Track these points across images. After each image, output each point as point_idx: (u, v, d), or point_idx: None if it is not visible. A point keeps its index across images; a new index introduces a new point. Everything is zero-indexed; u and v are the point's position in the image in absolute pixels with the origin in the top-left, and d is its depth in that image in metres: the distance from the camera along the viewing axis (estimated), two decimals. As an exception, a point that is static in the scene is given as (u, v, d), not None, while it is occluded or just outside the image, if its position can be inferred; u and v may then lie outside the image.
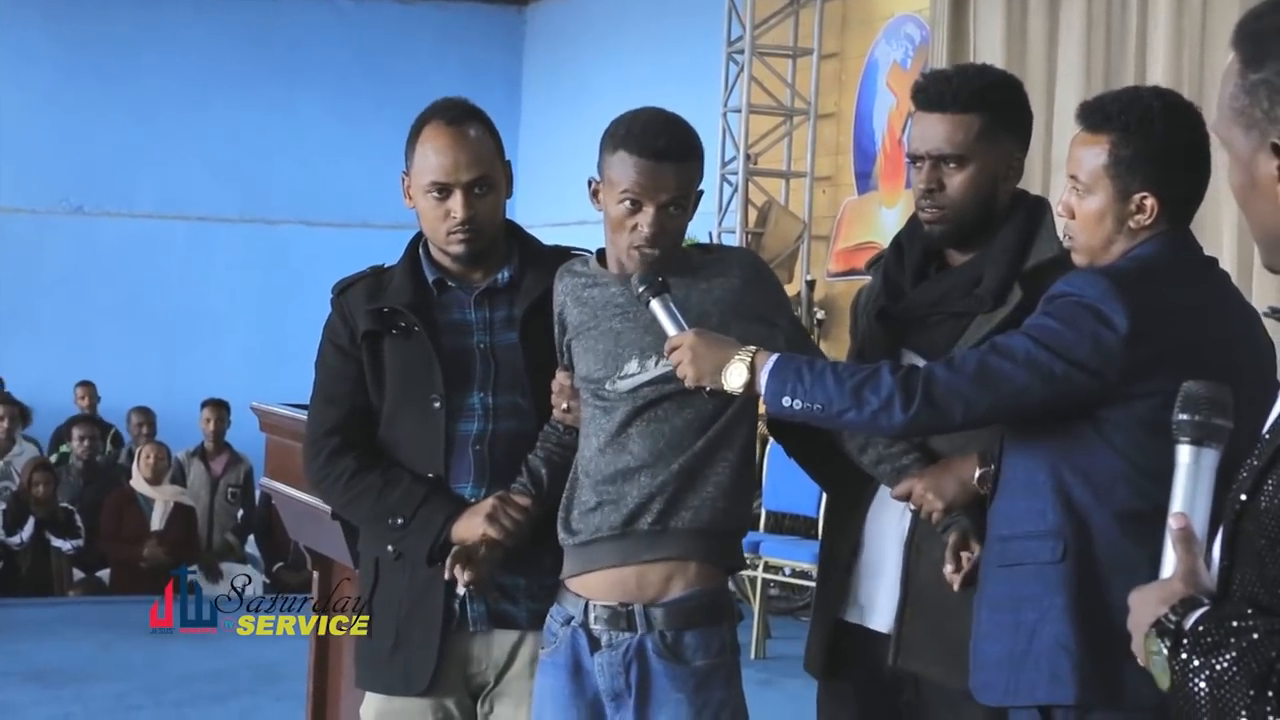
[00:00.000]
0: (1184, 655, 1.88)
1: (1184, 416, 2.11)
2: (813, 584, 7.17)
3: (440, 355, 3.23)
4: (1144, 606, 2.00)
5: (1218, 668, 1.84)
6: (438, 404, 3.23)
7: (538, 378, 3.22)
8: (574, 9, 14.48)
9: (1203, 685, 1.85)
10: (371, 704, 3.33)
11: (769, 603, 8.68)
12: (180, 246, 14.34)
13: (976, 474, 2.99)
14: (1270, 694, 1.77)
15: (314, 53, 14.67)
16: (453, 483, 3.24)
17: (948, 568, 2.98)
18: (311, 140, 14.48)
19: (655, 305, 2.94)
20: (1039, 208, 3.19)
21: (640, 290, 2.95)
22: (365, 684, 3.42)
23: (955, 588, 2.98)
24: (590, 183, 3.10)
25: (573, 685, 3.07)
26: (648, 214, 2.99)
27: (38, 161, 13.97)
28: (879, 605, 3.18)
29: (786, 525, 9.26)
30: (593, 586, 3.06)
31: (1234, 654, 1.83)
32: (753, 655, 8.20)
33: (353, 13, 14.87)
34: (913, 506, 3.04)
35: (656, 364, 3.01)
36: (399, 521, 3.21)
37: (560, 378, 3.18)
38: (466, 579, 3.06)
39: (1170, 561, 2.04)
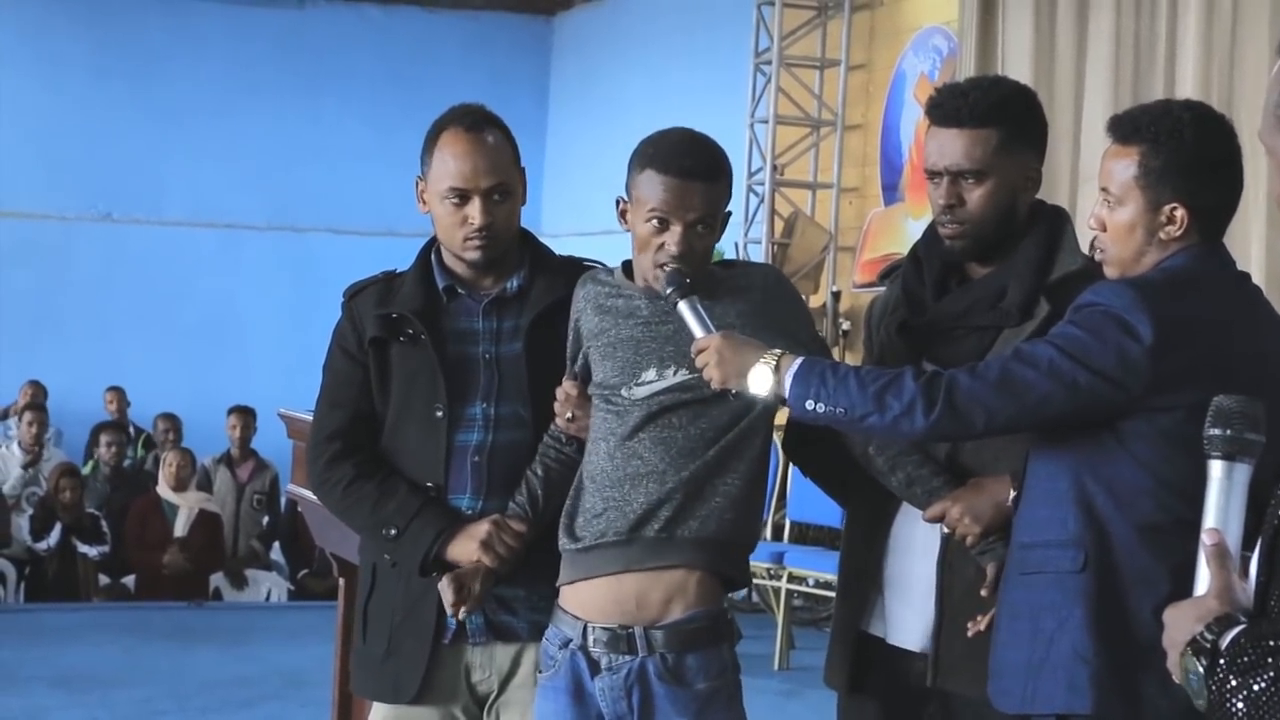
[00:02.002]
0: (1220, 675, 1.87)
1: (1216, 431, 2.10)
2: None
3: (444, 365, 3.22)
4: (1179, 624, 1.99)
5: (1255, 688, 1.83)
6: (440, 414, 3.22)
7: (541, 388, 3.20)
8: (602, 19, 14.50)
9: (1240, 705, 1.84)
10: (379, 712, 3.34)
11: (793, 613, 8.67)
12: (208, 254, 14.38)
13: (1011, 495, 2.96)
14: None
15: (342, 61, 14.71)
16: (451, 493, 3.23)
17: (983, 594, 2.97)
18: (339, 148, 14.51)
19: (683, 306, 2.93)
20: (1059, 218, 3.19)
21: (668, 291, 2.95)
22: (358, 689, 3.46)
23: (980, 628, 2.98)
24: (618, 202, 3.09)
25: (575, 709, 3.05)
26: (675, 233, 2.98)
27: (67, 168, 14.02)
28: (907, 622, 3.17)
29: (811, 536, 9.25)
30: (591, 606, 3.04)
31: (1272, 674, 1.82)
32: (776, 666, 8.20)
33: (380, 21, 14.91)
34: (946, 529, 3.03)
35: (675, 373, 3.01)
36: (392, 533, 3.21)
37: (566, 386, 3.16)
38: (457, 610, 3.09)
39: (1204, 578, 2.03)
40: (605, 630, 3.02)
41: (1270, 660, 1.82)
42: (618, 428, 3.03)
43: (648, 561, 3.00)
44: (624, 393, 3.04)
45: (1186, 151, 2.73)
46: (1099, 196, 2.83)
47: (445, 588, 3.09)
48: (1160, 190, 2.73)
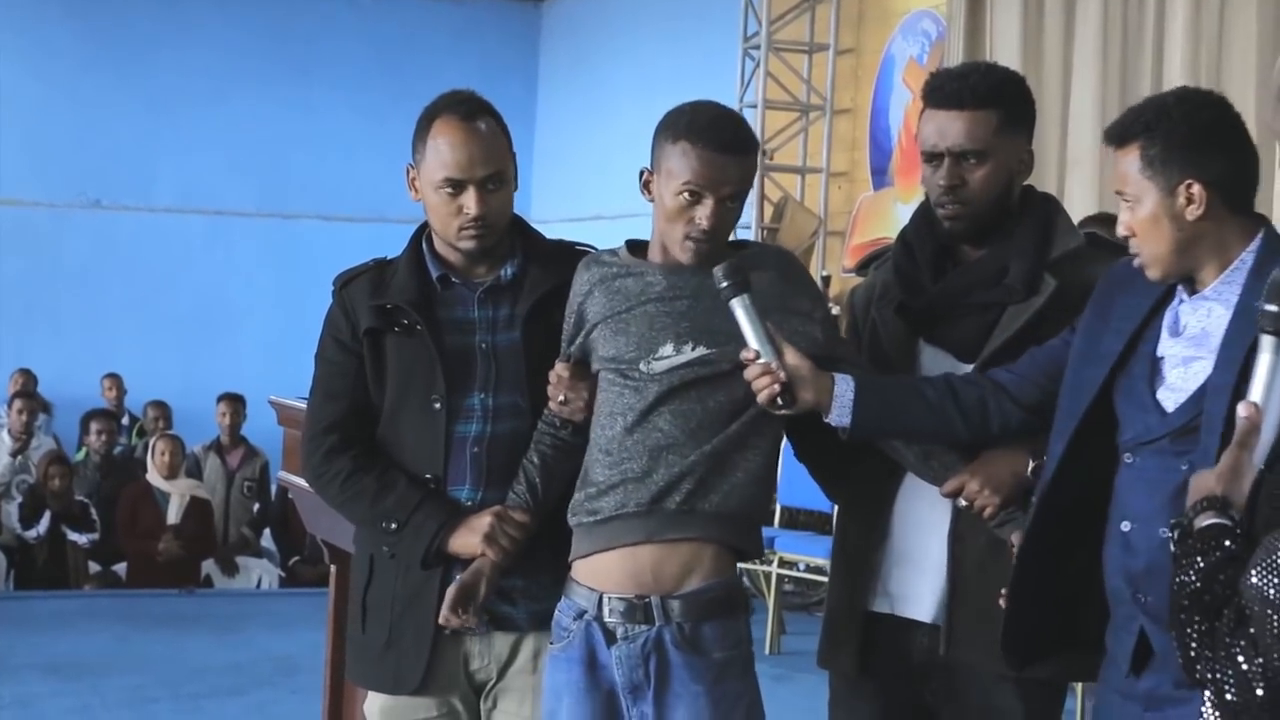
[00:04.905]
0: (1175, 550, 1.91)
1: (1269, 308, 2.07)
2: (827, 579, 7.16)
3: (442, 355, 3.20)
4: (1192, 496, 2.00)
5: (1181, 578, 1.91)
6: (439, 405, 3.19)
7: (538, 377, 3.18)
8: (590, 5, 14.49)
9: (1185, 579, 1.92)
10: (376, 700, 3.32)
11: (783, 598, 8.68)
12: (198, 241, 14.38)
13: (1030, 466, 2.99)
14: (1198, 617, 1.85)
15: (331, 48, 14.70)
16: (450, 484, 3.21)
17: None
18: (329, 135, 14.51)
19: (736, 306, 2.93)
20: (1050, 201, 3.26)
21: (723, 285, 2.94)
22: (356, 679, 3.44)
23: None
24: (642, 173, 3.08)
25: (588, 679, 3.06)
26: (707, 206, 2.98)
27: (56, 155, 14.01)
28: (917, 594, 3.20)
29: (801, 521, 9.26)
30: (606, 577, 3.04)
31: (1194, 571, 1.89)
32: (767, 650, 8.21)
33: (370, 8, 14.89)
34: (963, 502, 3.05)
35: (693, 349, 3.01)
36: (392, 527, 3.19)
37: (559, 369, 3.15)
38: (455, 621, 3.10)
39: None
40: (621, 600, 3.02)
41: (1198, 560, 1.85)
42: (636, 403, 3.03)
43: (668, 533, 3.00)
44: (642, 367, 3.03)
45: (1180, 129, 2.70)
46: (1120, 206, 2.78)
47: (448, 605, 3.11)
48: (1168, 173, 2.69)
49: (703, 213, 2.98)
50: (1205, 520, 1.94)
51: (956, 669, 3.17)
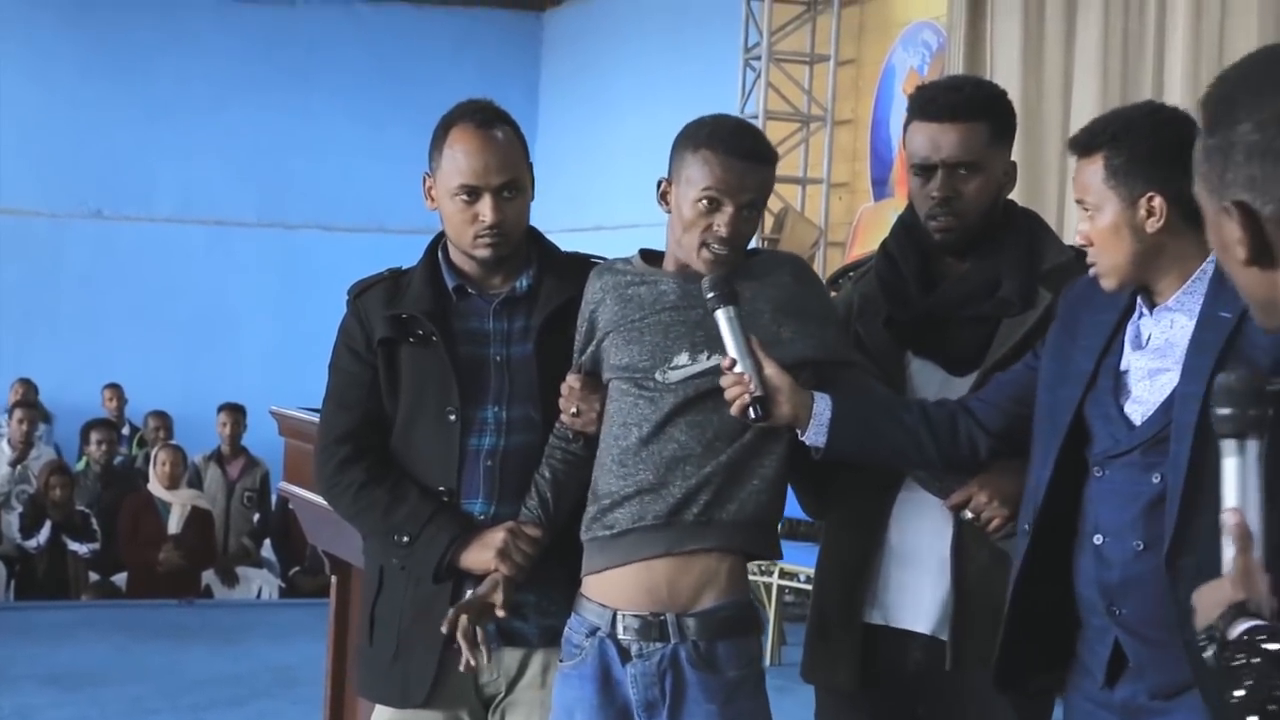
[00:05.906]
0: (1216, 665, 1.89)
1: (1222, 412, 2.10)
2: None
3: (456, 366, 3.19)
4: (1205, 610, 2.00)
5: (1238, 694, 1.85)
6: (453, 417, 3.18)
7: (551, 390, 3.17)
8: (591, 15, 14.49)
9: (1239, 692, 1.86)
10: (383, 714, 3.31)
11: (784, 609, 8.67)
12: (198, 250, 14.38)
13: None
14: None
15: (331, 57, 14.70)
16: (463, 498, 3.20)
17: None
18: (329, 144, 14.51)
19: (720, 317, 2.92)
20: (1033, 215, 3.31)
21: (709, 296, 2.94)
22: (363, 691, 3.42)
23: None
24: (659, 183, 3.09)
25: (601, 696, 3.05)
26: (726, 213, 2.99)
27: (57, 165, 14.01)
28: (914, 605, 3.19)
29: (802, 532, 9.24)
30: (620, 594, 3.03)
31: (1249, 686, 1.84)
32: (769, 662, 8.20)
33: (370, 17, 14.90)
34: (969, 514, 3.04)
35: (708, 358, 3.00)
36: (404, 540, 3.17)
37: (570, 380, 3.14)
38: (467, 653, 3.05)
39: (1229, 560, 2.03)
40: (636, 618, 3.02)
41: (1248, 662, 1.84)
42: (651, 413, 3.02)
43: (687, 544, 3.00)
44: (657, 377, 3.03)
45: (1145, 141, 2.72)
46: (1080, 214, 2.81)
47: (455, 621, 3.06)
48: (1131, 184, 2.72)
49: (721, 220, 2.99)
50: (1240, 626, 1.93)
51: (954, 680, 3.16)
